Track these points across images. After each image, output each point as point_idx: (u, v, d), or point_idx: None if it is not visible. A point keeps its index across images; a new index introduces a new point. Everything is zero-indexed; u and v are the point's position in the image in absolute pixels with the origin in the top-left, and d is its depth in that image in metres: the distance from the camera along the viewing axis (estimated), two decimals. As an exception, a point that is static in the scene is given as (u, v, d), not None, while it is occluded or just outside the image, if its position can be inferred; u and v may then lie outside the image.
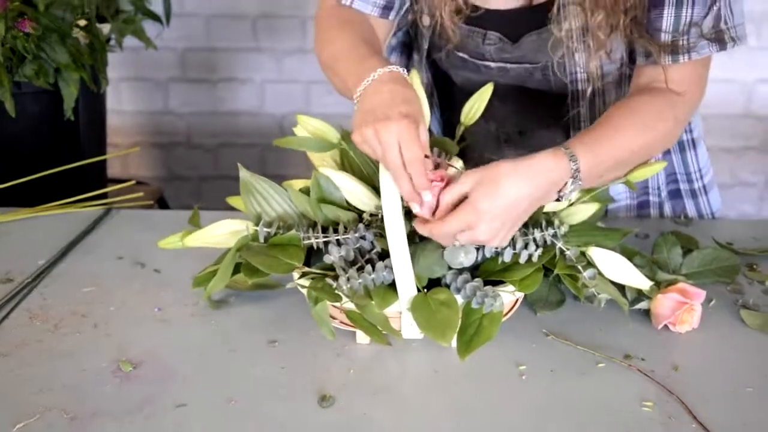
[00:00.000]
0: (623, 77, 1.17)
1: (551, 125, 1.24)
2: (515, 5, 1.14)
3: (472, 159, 1.11)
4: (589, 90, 1.17)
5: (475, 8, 1.15)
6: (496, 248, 0.93)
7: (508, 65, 1.19)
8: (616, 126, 1.00)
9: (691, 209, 1.32)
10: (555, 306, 1.02)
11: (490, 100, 1.07)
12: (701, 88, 1.09)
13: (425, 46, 1.25)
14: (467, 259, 0.92)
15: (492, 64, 1.20)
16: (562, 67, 1.16)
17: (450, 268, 0.93)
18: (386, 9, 1.17)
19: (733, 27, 1.05)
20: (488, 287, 0.91)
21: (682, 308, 0.96)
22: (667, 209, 1.31)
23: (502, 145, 1.31)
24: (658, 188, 1.29)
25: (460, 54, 1.22)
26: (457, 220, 0.88)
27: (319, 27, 1.15)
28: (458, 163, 0.97)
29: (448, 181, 0.90)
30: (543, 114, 1.24)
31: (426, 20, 1.20)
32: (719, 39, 1.04)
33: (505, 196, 0.89)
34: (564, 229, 0.95)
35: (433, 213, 0.90)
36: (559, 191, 0.94)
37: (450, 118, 1.35)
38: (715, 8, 1.03)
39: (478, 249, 0.93)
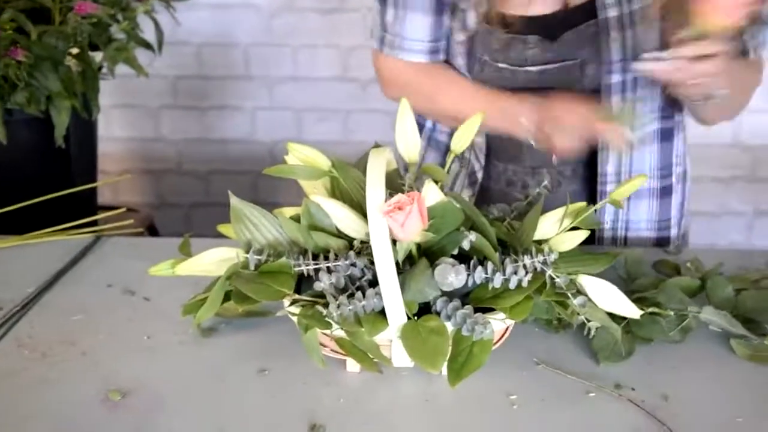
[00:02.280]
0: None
1: None
2: (553, 9, 1.20)
3: (499, 160, 1.29)
4: (620, 85, 1.20)
5: (514, 17, 1.19)
6: (486, 275, 0.93)
7: (549, 66, 1.22)
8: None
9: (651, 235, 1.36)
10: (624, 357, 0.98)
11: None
12: None
13: (462, 62, 1.25)
14: (457, 279, 0.92)
15: (533, 68, 1.22)
16: (598, 60, 1.20)
17: (442, 293, 0.93)
18: (434, 52, 1.25)
19: None
20: (478, 314, 0.91)
21: None
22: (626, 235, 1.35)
23: (524, 145, 1.28)
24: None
25: (500, 64, 1.23)
26: None
27: (400, 81, 1.27)
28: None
29: (419, 200, 0.91)
30: None
31: (460, 36, 1.21)
32: None
33: None
34: (553, 256, 0.95)
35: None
36: None
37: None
38: None
39: (468, 272, 0.93)
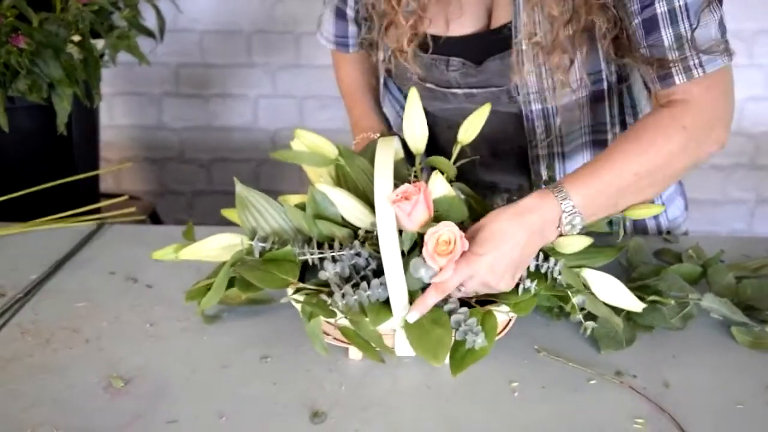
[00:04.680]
0: (580, 99, 1.17)
1: (523, 146, 1.23)
2: (475, 29, 1.15)
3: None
4: (541, 112, 1.17)
5: (436, 38, 1.15)
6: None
7: (474, 90, 1.18)
8: (612, 153, 0.99)
9: (651, 226, 1.32)
10: (625, 344, 0.98)
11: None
12: (723, 98, 1.04)
13: (381, 79, 1.28)
14: (427, 275, 0.90)
15: (459, 91, 1.19)
16: (516, 90, 1.15)
17: None
18: (341, 45, 1.32)
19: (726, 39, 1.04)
20: (472, 320, 0.91)
21: None
22: (629, 225, 1.30)
23: (478, 169, 1.29)
24: None
25: (427, 85, 1.21)
26: (459, 270, 0.90)
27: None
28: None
29: (425, 190, 0.91)
30: (513, 136, 1.23)
31: (380, 55, 1.21)
32: (727, 50, 1.02)
33: (500, 239, 0.91)
34: (560, 266, 0.95)
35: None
36: (558, 227, 0.95)
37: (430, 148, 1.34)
38: (716, 16, 1.00)
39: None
